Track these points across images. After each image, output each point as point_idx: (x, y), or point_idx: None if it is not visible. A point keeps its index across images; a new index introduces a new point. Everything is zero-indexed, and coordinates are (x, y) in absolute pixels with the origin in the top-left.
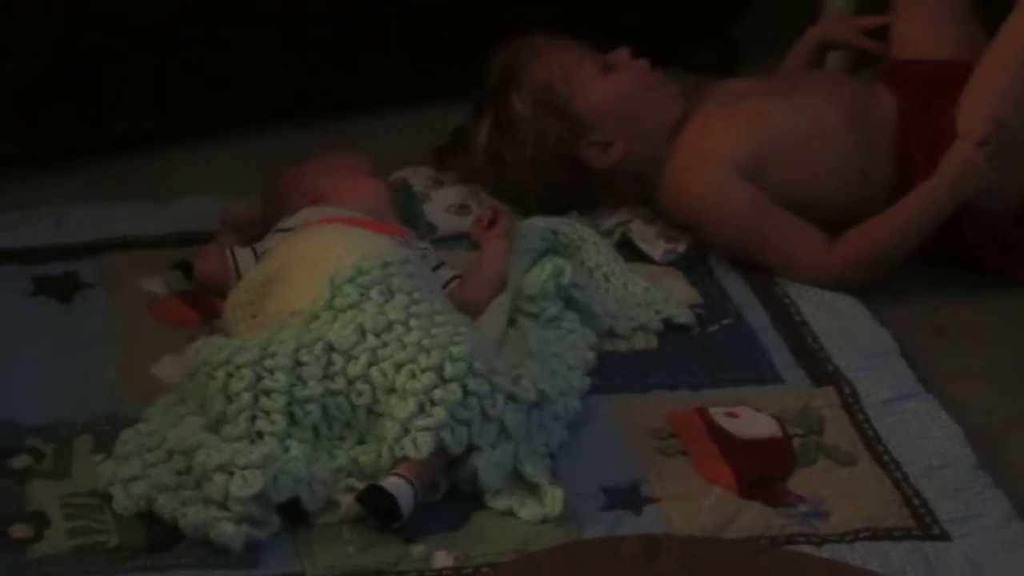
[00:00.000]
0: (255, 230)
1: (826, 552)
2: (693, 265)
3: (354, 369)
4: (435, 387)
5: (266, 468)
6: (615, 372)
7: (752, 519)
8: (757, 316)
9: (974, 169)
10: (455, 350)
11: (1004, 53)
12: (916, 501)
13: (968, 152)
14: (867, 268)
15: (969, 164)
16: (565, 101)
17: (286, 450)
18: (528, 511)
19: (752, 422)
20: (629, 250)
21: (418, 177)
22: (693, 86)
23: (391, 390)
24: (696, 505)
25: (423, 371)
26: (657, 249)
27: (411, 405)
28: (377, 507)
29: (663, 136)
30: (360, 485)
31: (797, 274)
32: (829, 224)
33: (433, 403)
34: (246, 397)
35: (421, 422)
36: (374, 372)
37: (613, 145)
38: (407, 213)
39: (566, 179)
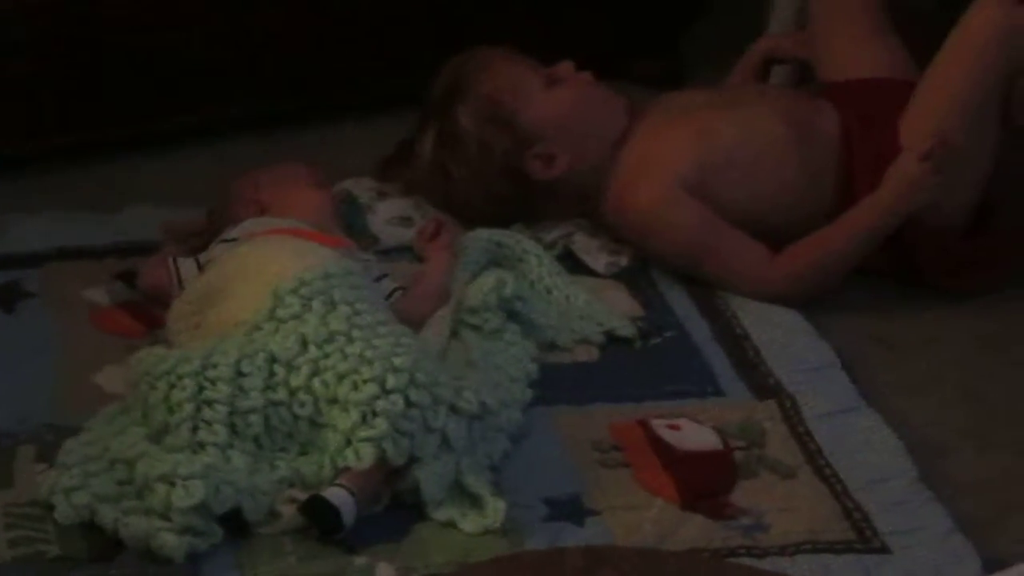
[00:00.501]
0: (198, 240)
1: (767, 565)
2: (635, 277)
3: (296, 380)
4: (377, 398)
5: (207, 479)
6: (557, 384)
7: (694, 531)
8: (699, 329)
9: (917, 183)
10: (397, 361)
11: (946, 69)
12: (857, 514)
13: (912, 166)
14: (809, 282)
15: (912, 178)
16: (510, 114)
17: (228, 460)
18: (470, 523)
19: (693, 435)
20: (572, 262)
21: (361, 188)
22: (639, 99)
23: (333, 401)
24: (638, 517)
25: (365, 382)
26: (600, 261)
27: (353, 416)
28: (319, 517)
29: (607, 149)
30: (302, 496)
31: (740, 288)
32: (771, 238)
33: (375, 414)
34: (188, 407)
35: (363, 433)
36: (316, 383)
37: (557, 158)
38: (351, 224)
39: (510, 192)
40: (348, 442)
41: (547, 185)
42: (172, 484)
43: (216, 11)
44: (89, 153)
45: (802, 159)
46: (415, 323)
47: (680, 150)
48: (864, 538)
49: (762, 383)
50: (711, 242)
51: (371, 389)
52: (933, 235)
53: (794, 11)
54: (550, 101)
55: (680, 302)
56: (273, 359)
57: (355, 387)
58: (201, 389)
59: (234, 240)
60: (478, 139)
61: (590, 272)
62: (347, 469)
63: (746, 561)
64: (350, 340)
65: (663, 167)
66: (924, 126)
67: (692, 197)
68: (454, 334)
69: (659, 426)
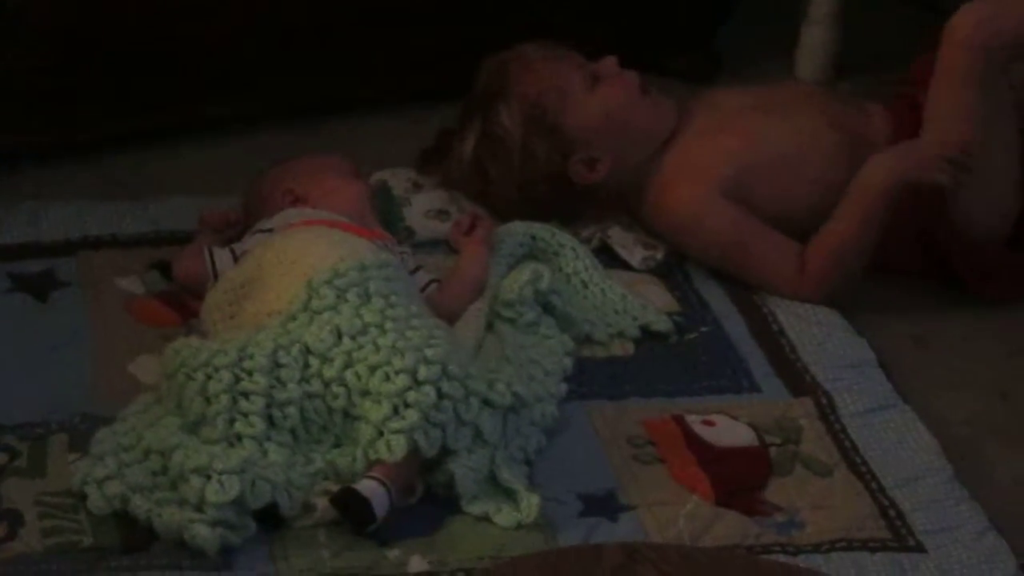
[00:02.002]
0: (234, 231)
1: (801, 562)
2: (671, 272)
3: (330, 372)
4: (409, 389)
5: (244, 474)
6: (592, 378)
7: (728, 528)
8: (735, 325)
9: (926, 163)
10: (429, 353)
11: (944, 80)
12: (892, 512)
13: (931, 147)
14: (838, 275)
15: (924, 157)
16: (554, 118)
17: (264, 454)
18: (504, 517)
19: (729, 431)
20: (607, 256)
21: (398, 180)
22: (682, 97)
23: (366, 393)
24: (672, 513)
25: (397, 373)
26: (636, 256)
27: (385, 408)
28: (351, 510)
29: (651, 151)
30: (336, 488)
31: (776, 290)
32: (803, 241)
33: (407, 405)
34: (225, 399)
35: (394, 424)
36: (349, 375)
37: (600, 161)
38: (387, 216)
39: (550, 195)
40: (380, 434)
41: (588, 188)
42: (208, 478)
43: (247, 5)
44: (123, 143)
45: (848, 165)
46: (450, 316)
47: (724, 156)
48: (899, 536)
49: (798, 380)
50: (747, 247)
51: (403, 380)
52: (972, 245)
53: (832, 4)
54: (594, 104)
55: (716, 298)
56: (308, 350)
57: (387, 378)
58: (238, 380)
59: (270, 231)
60: (521, 143)
61: (626, 266)
62: (379, 461)
63: (781, 558)
64: (383, 332)
65: (705, 171)
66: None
67: (731, 201)
68: (489, 327)
69: (694, 422)
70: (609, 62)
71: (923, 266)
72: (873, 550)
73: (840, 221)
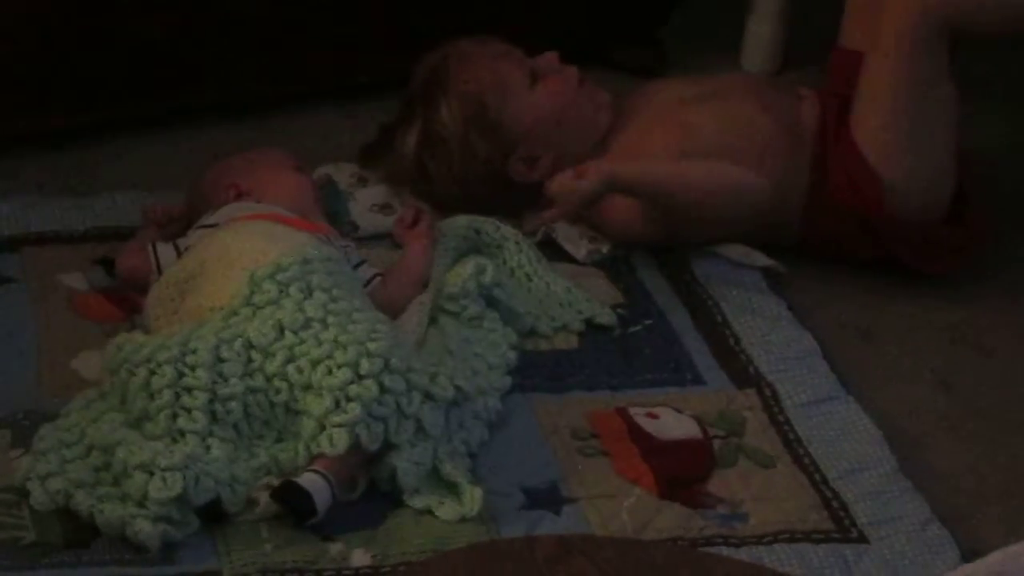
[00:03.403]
0: (178, 226)
1: (744, 554)
2: (616, 265)
3: (272, 366)
4: (351, 383)
5: (187, 470)
6: (536, 372)
7: (671, 520)
8: (679, 317)
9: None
10: (372, 346)
11: (881, 56)
12: (835, 504)
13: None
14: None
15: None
16: (494, 115)
17: (207, 449)
18: (447, 510)
19: (673, 423)
20: (552, 249)
21: (342, 174)
22: (623, 91)
23: (308, 387)
24: (616, 506)
25: (339, 367)
26: (580, 249)
27: (327, 401)
28: (292, 503)
29: (590, 146)
30: (277, 483)
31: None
32: (745, 229)
33: (349, 399)
34: (167, 394)
35: (336, 418)
36: (291, 369)
37: (540, 159)
38: (332, 211)
39: (491, 192)
40: (322, 428)
41: (529, 185)
42: (151, 474)
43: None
44: (66, 138)
45: (783, 150)
46: (394, 310)
47: (664, 147)
48: (842, 528)
49: (742, 372)
50: (688, 178)
51: (344, 375)
52: (908, 223)
53: None
54: (535, 102)
55: (660, 290)
56: (250, 345)
57: (329, 372)
58: (180, 376)
59: (213, 225)
60: (461, 141)
61: (570, 259)
62: (321, 455)
63: (723, 550)
64: (325, 326)
65: None
66: (872, 117)
67: None
68: (433, 321)
69: (638, 414)
70: (549, 57)
71: (870, 255)
72: (816, 541)
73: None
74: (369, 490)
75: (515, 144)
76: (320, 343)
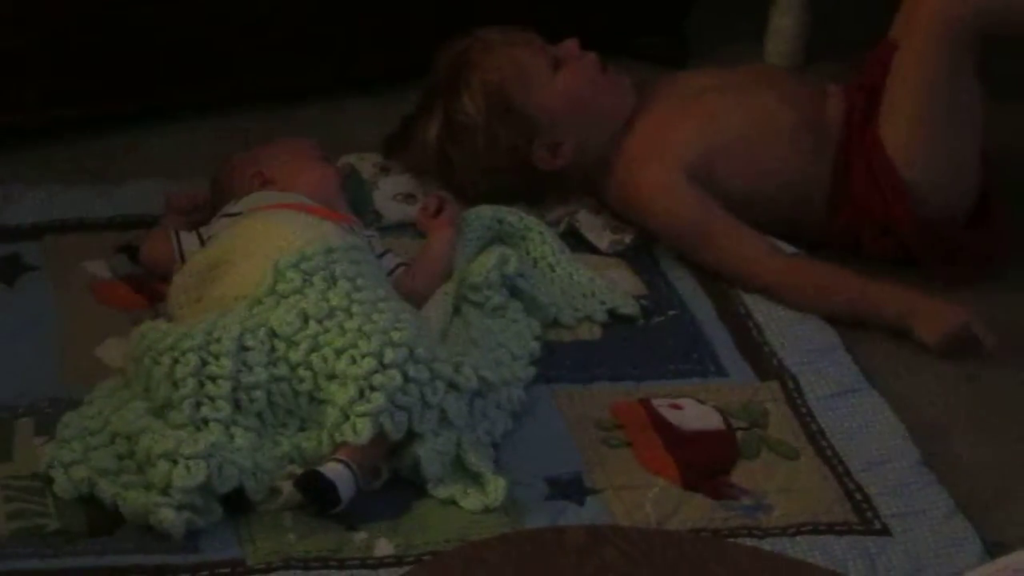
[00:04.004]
0: (201, 214)
1: (768, 545)
2: (639, 256)
3: (296, 355)
4: (375, 372)
5: (211, 458)
6: (559, 362)
7: (694, 511)
8: (702, 308)
9: (950, 335)
10: (395, 336)
11: (909, 54)
12: (858, 496)
13: (958, 328)
14: (789, 296)
15: (948, 332)
16: (516, 103)
17: (231, 438)
18: (470, 500)
19: (696, 414)
20: (575, 240)
21: (365, 164)
22: (646, 79)
23: (332, 376)
24: (639, 496)
25: (363, 357)
26: (603, 239)
27: (351, 391)
28: (315, 492)
29: (613, 132)
30: (301, 472)
31: (733, 278)
32: (767, 223)
33: (373, 388)
34: (191, 383)
35: (360, 407)
36: (315, 358)
37: (563, 145)
38: (355, 200)
39: (515, 180)
40: (346, 417)
41: (552, 173)
42: (174, 462)
43: None
44: (93, 127)
45: (805, 146)
46: (417, 299)
47: (687, 135)
48: (865, 520)
49: (765, 363)
50: (709, 231)
51: (369, 364)
52: (931, 227)
53: None
54: (556, 88)
55: (683, 281)
56: (274, 334)
57: (353, 361)
58: (204, 364)
59: (237, 214)
60: (484, 129)
61: (593, 250)
62: (345, 444)
63: (747, 542)
64: (349, 315)
65: (668, 153)
66: (898, 116)
67: (696, 184)
68: (456, 311)
69: (661, 405)
70: (570, 45)
71: (890, 254)
72: (840, 533)
73: (841, 287)
74: (393, 480)
75: (537, 131)
76: (344, 332)
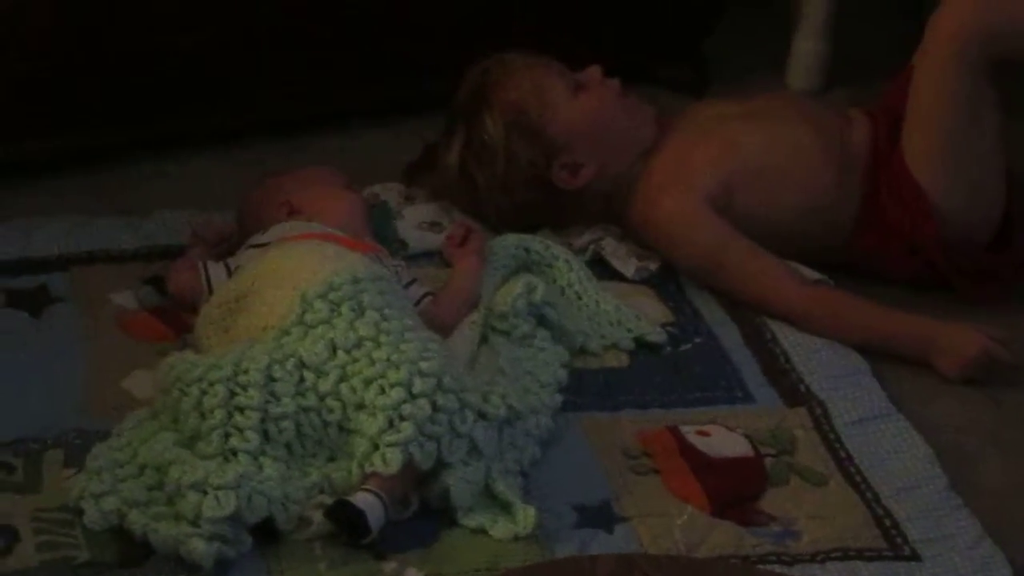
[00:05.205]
0: (228, 244)
1: (797, 572)
2: (665, 283)
3: (324, 385)
4: (404, 402)
5: (240, 489)
6: (587, 390)
7: (724, 538)
8: (729, 335)
9: (970, 362)
10: (424, 366)
11: (928, 76)
12: (887, 522)
13: (977, 351)
14: (816, 324)
15: (975, 355)
16: (537, 122)
17: (260, 469)
18: (500, 529)
19: (724, 441)
20: (601, 268)
21: (389, 193)
22: (667, 108)
23: (361, 406)
24: (668, 524)
25: (392, 386)
26: (629, 267)
27: (380, 421)
28: (346, 522)
29: (634, 157)
30: (331, 502)
31: (754, 306)
32: (791, 249)
33: (402, 418)
34: (220, 414)
35: (390, 437)
36: (344, 388)
37: (584, 167)
38: (381, 229)
39: (536, 200)
40: (375, 447)
41: (573, 193)
42: (204, 493)
43: (241, 13)
44: (116, 157)
45: (830, 174)
46: (444, 328)
47: (708, 163)
48: (894, 546)
49: (792, 390)
50: (728, 260)
51: (398, 393)
52: (955, 248)
53: (823, 14)
54: (576, 109)
55: (709, 308)
56: (302, 364)
57: (382, 391)
58: (233, 395)
59: (264, 244)
60: (505, 148)
61: (619, 277)
62: (375, 474)
63: (776, 568)
64: (378, 345)
65: (690, 180)
66: (920, 140)
67: (717, 212)
68: (483, 340)
69: (689, 432)
70: (593, 71)
71: (916, 275)
72: (869, 559)
73: (865, 317)
74: (422, 509)
75: (557, 151)
76: (372, 362)
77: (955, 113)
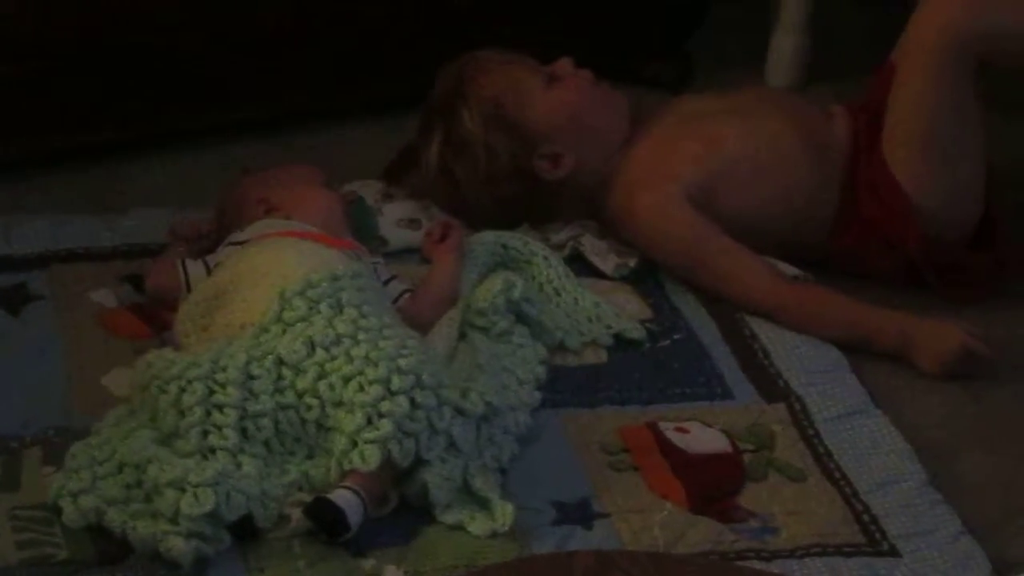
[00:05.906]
0: (206, 242)
1: (776, 568)
2: (644, 280)
3: (303, 383)
4: (382, 399)
5: (218, 486)
6: (565, 387)
7: (702, 534)
8: (708, 331)
9: (949, 355)
10: (402, 363)
11: (910, 76)
12: (866, 517)
13: (958, 344)
14: (794, 318)
15: (954, 350)
16: (514, 116)
17: (238, 466)
18: (478, 526)
19: (702, 437)
20: (580, 264)
21: (369, 190)
22: (647, 102)
23: (339, 404)
24: (647, 520)
25: (370, 384)
26: (608, 264)
27: (358, 418)
28: (324, 519)
29: (613, 149)
30: (310, 499)
31: (731, 301)
32: (770, 245)
33: (380, 415)
34: (198, 412)
35: (368, 434)
36: (322, 386)
37: (563, 157)
38: (360, 226)
39: (518, 193)
40: (354, 444)
41: (554, 185)
42: (182, 491)
43: (220, 12)
44: (95, 155)
45: (810, 170)
46: (423, 325)
47: (687, 158)
48: (873, 541)
49: (771, 385)
50: (706, 255)
51: (376, 391)
52: (936, 246)
53: (802, 11)
54: (552, 100)
55: (688, 304)
56: (281, 362)
57: (360, 389)
58: (211, 393)
59: (243, 242)
60: (484, 143)
61: (599, 274)
62: (353, 471)
63: (755, 564)
64: (356, 342)
65: (667, 176)
66: (901, 137)
67: (695, 207)
68: (462, 336)
69: (668, 429)
70: (564, 62)
71: (895, 272)
72: (848, 555)
73: (840, 313)
74: (400, 506)
75: (536, 142)
76: (351, 359)
77: (937, 111)
